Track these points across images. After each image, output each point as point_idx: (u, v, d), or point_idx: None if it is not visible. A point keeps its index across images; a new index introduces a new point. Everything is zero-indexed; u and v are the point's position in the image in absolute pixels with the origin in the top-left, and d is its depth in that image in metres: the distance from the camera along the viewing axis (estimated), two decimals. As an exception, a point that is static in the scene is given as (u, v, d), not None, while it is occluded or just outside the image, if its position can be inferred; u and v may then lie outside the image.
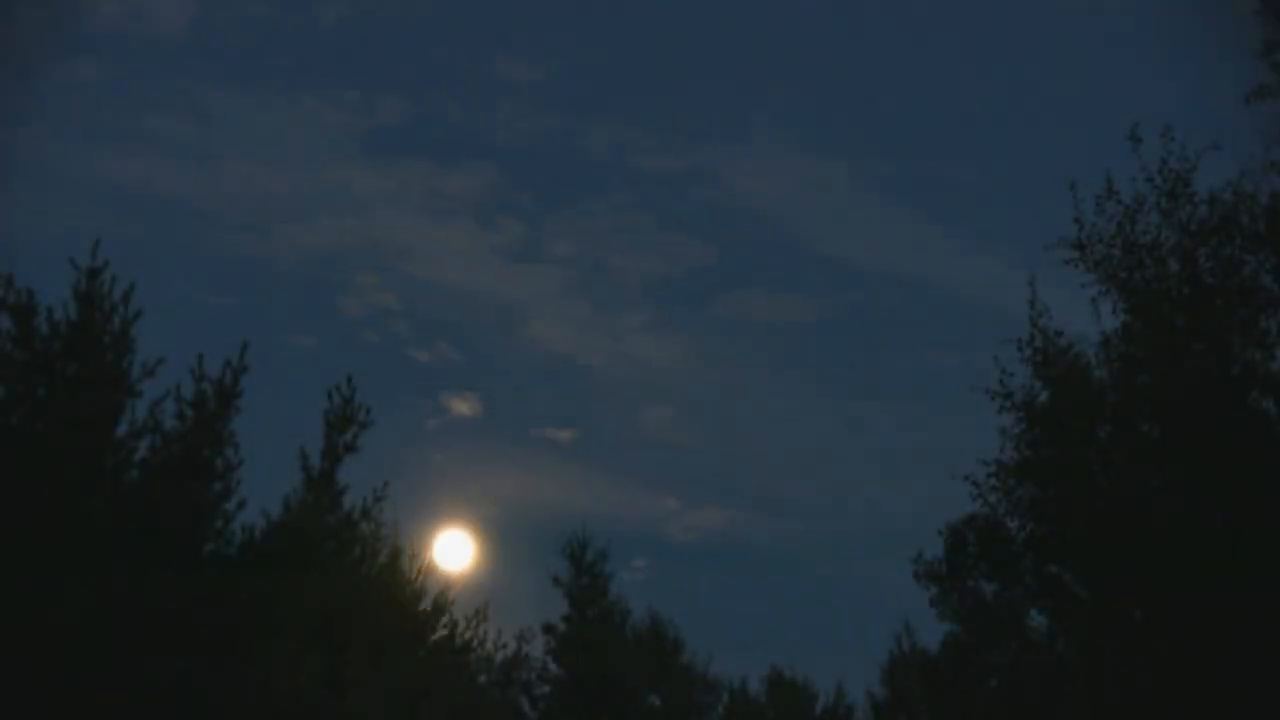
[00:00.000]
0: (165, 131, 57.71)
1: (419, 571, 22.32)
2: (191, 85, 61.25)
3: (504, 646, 24.61)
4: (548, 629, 31.68)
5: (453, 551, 25.73)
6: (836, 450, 61.00)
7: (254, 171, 60.37)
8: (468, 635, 23.35)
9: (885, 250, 64.37)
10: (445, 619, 22.86)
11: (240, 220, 63.11)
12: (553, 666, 31.70)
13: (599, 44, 65.19)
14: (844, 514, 58.19)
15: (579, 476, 54.89)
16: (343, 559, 18.88)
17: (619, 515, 60.93)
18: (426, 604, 22.48)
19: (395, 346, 56.82)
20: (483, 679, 24.56)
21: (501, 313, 63.54)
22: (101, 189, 53.05)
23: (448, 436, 53.34)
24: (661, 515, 55.46)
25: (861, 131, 65.28)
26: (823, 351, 62.21)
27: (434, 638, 22.46)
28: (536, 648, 31.15)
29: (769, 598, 52.75)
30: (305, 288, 59.49)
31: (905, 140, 66.19)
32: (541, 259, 62.49)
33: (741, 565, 54.96)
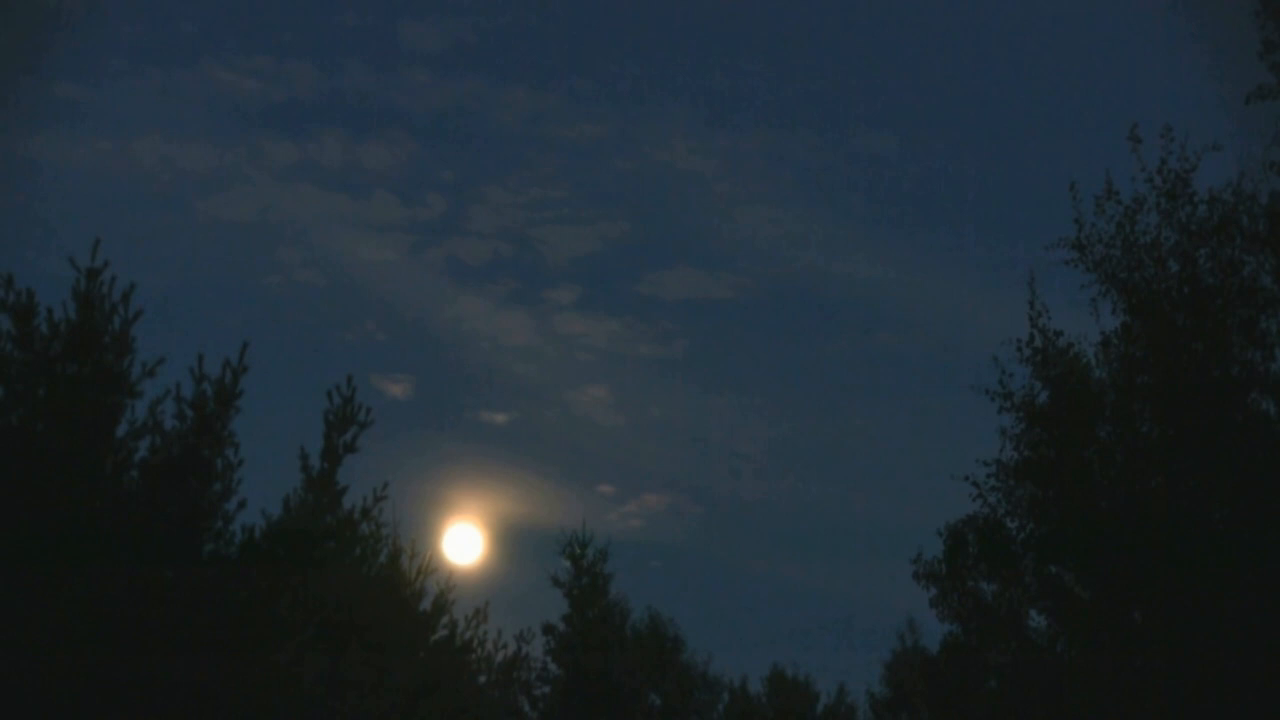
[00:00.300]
0: (74, 103, 55.54)
1: (419, 571, 22.31)
2: (99, 55, 59.51)
3: (504, 646, 24.55)
4: (548, 629, 31.70)
5: (461, 545, 25.66)
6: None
7: (164, 144, 58.73)
8: (468, 635, 23.33)
9: (794, 237, 63.44)
10: (445, 619, 22.85)
11: (152, 192, 61.35)
12: (553, 666, 31.71)
13: (507, 8, 63.44)
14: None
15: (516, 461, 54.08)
16: (343, 559, 18.87)
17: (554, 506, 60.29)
18: (426, 604, 22.47)
19: (320, 326, 55.89)
20: (482, 679, 24.51)
21: (425, 292, 62.32)
22: (9, 162, 51.84)
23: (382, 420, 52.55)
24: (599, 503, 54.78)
25: (781, 105, 64.43)
26: (746, 329, 61.76)
27: (434, 638, 22.44)
28: (536, 648, 31.18)
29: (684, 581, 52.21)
30: (223, 264, 58.30)
31: (836, 112, 65.54)
32: (463, 232, 61.33)
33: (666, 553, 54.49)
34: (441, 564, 22.69)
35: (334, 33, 62.10)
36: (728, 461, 60.12)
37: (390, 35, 62.08)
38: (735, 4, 62.68)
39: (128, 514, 15.85)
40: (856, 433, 61.32)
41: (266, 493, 18.05)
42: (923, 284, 60.59)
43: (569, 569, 32.08)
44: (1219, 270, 19.08)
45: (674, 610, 35.72)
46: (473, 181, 66.94)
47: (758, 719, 38.07)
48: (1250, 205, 18.93)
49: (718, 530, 58.56)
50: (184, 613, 15.68)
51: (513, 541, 32.43)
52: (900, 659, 37.36)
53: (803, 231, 64.93)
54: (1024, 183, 60.58)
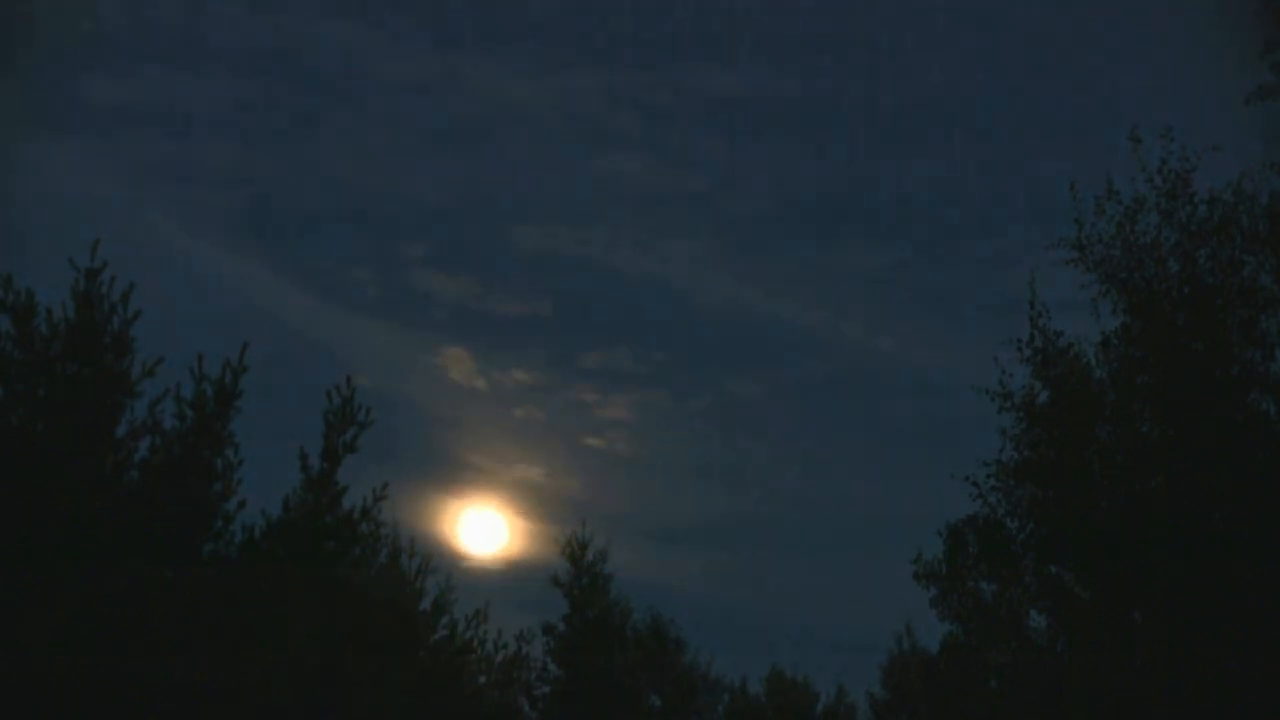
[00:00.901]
0: None
1: (419, 571, 22.33)
2: None
3: (504, 647, 24.55)
4: (548, 629, 31.68)
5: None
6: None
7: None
8: (468, 635, 23.34)
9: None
10: (445, 619, 22.87)
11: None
12: (553, 667, 31.68)
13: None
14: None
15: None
16: (342, 559, 18.86)
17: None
18: (426, 604, 22.48)
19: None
20: (482, 679, 24.50)
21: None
22: None
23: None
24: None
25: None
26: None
27: (434, 638, 22.45)
28: (536, 648, 31.15)
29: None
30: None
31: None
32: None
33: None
34: (442, 563, 22.70)
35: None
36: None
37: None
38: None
39: (128, 514, 15.85)
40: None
41: (267, 492, 18.10)
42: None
43: (569, 569, 32.05)
44: (1219, 270, 19.08)
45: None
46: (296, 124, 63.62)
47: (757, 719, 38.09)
48: (1250, 205, 18.93)
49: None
50: (184, 613, 15.69)
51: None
52: (897, 661, 37.34)
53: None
54: (1024, 183, 60.55)
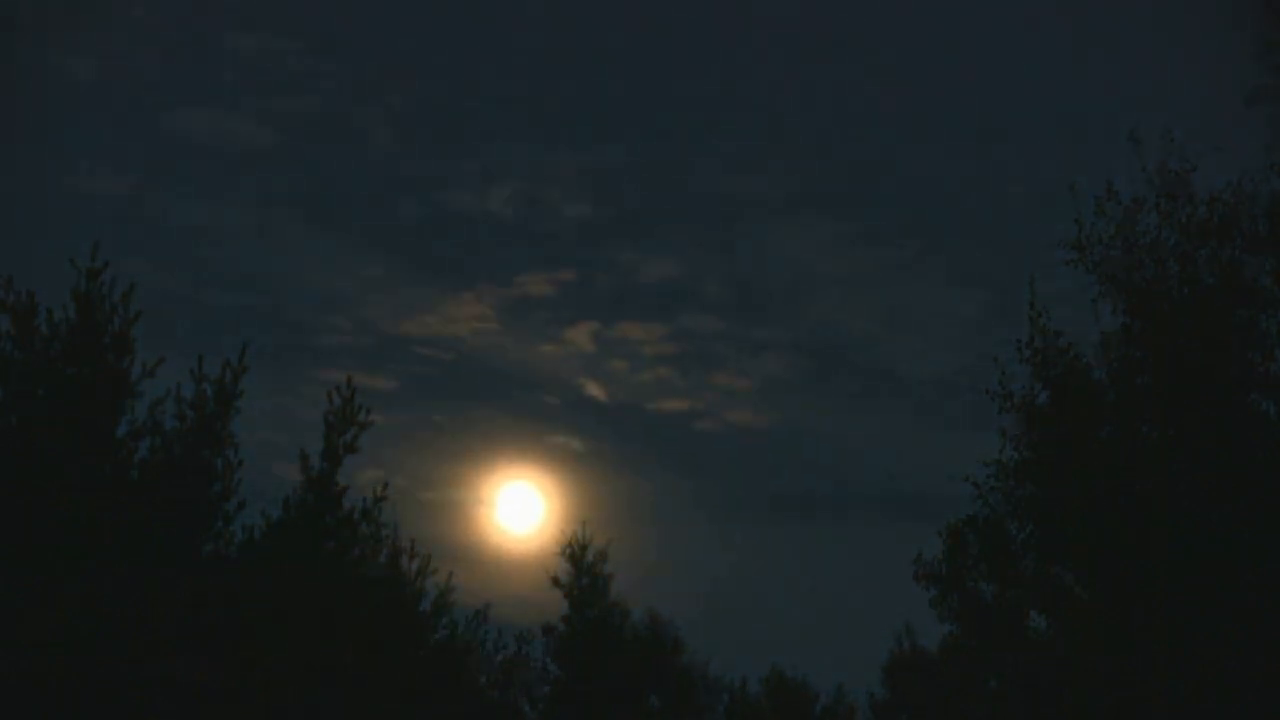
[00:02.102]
0: None
1: (419, 572, 22.31)
2: None
3: (504, 648, 24.60)
4: (548, 629, 31.68)
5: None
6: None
7: None
8: (467, 636, 23.35)
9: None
10: (445, 619, 22.86)
11: None
12: (553, 667, 31.68)
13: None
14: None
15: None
16: (342, 559, 18.86)
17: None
18: (426, 604, 22.47)
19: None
20: (483, 679, 24.54)
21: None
22: None
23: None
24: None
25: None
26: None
27: (434, 638, 22.44)
28: (536, 648, 31.15)
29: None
30: None
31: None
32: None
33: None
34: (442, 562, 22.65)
35: None
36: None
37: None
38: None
39: (128, 514, 15.84)
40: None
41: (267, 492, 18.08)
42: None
43: (569, 569, 32.05)
44: (1219, 270, 19.06)
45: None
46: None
47: (757, 720, 38.11)
48: (1250, 205, 18.91)
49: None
50: (184, 613, 15.68)
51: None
52: (897, 661, 37.35)
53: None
54: (1022, 185, 60.49)
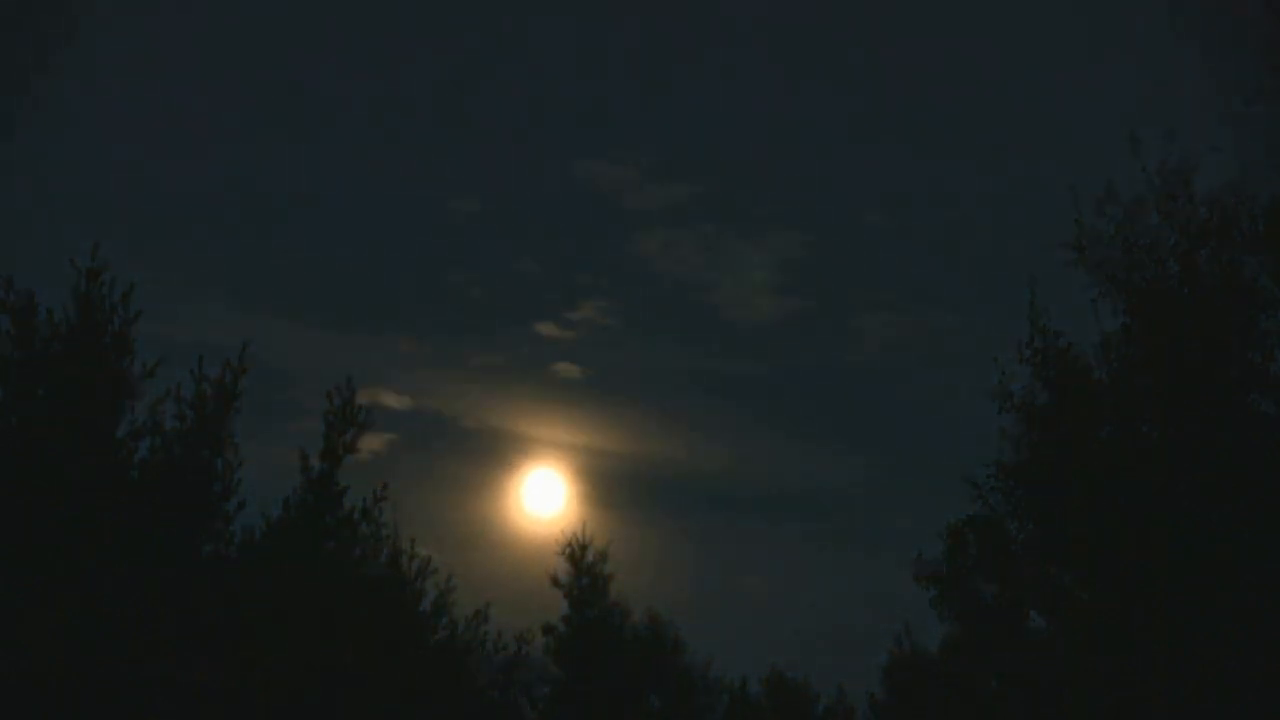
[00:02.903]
0: None
1: (419, 572, 22.30)
2: None
3: (504, 648, 24.55)
4: (548, 629, 31.64)
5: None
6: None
7: None
8: (467, 636, 23.32)
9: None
10: (445, 619, 22.85)
11: None
12: (553, 667, 31.65)
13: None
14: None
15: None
16: (342, 559, 18.87)
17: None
18: (427, 604, 22.46)
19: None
20: (483, 679, 24.51)
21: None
22: None
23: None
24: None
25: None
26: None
27: (434, 638, 22.44)
28: (536, 648, 31.10)
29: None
30: None
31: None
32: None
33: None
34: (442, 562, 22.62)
35: None
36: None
37: None
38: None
39: (128, 514, 15.84)
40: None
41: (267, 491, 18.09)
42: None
43: (569, 569, 32.01)
44: (1219, 270, 19.04)
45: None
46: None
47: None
48: (1250, 205, 18.89)
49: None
50: (184, 613, 15.69)
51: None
52: (897, 661, 37.31)
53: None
54: (1022, 185, 60.52)
